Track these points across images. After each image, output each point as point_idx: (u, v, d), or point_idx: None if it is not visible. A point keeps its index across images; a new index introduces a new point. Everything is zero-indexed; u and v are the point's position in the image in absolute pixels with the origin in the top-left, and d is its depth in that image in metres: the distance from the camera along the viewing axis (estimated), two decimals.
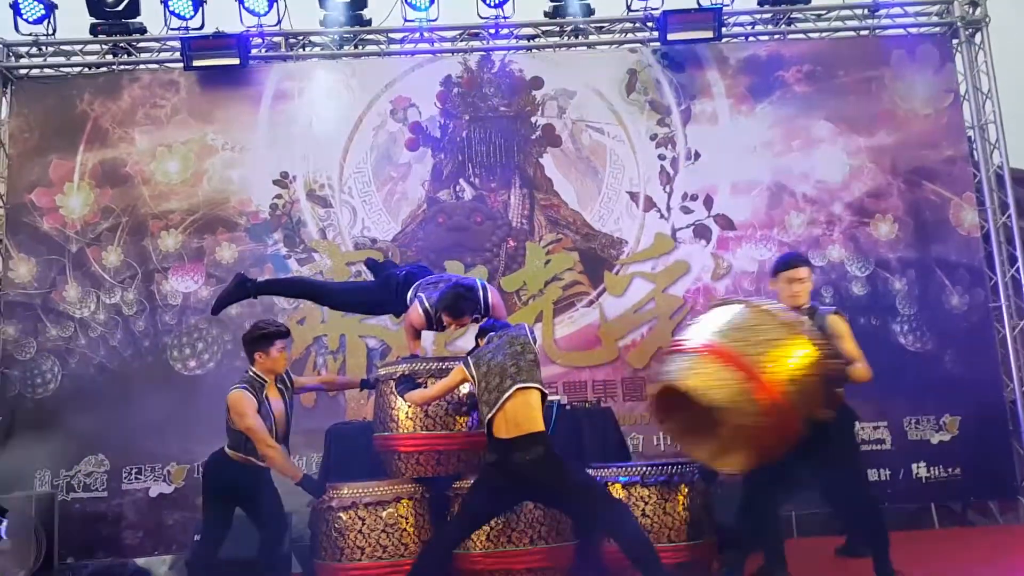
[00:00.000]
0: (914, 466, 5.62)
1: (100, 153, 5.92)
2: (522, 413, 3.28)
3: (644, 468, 3.82)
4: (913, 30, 6.09)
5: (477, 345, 3.60)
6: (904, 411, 5.64)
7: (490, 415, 3.29)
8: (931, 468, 5.62)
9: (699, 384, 3.01)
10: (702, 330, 3.22)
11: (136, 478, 5.54)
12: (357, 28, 6.08)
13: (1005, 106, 5.94)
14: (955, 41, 6.05)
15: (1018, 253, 5.84)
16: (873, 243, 5.85)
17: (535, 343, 3.56)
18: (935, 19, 6.06)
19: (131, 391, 5.56)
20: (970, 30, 5.99)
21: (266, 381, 3.75)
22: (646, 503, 3.69)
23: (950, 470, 5.61)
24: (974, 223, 5.87)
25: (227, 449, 3.74)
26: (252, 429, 3.61)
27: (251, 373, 3.77)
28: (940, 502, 5.61)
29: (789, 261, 3.64)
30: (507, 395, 3.27)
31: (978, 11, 5.96)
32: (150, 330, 5.71)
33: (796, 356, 3.04)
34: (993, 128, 5.95)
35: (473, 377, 3.38)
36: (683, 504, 3.72)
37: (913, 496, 5.58)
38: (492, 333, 3.51)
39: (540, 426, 3.30)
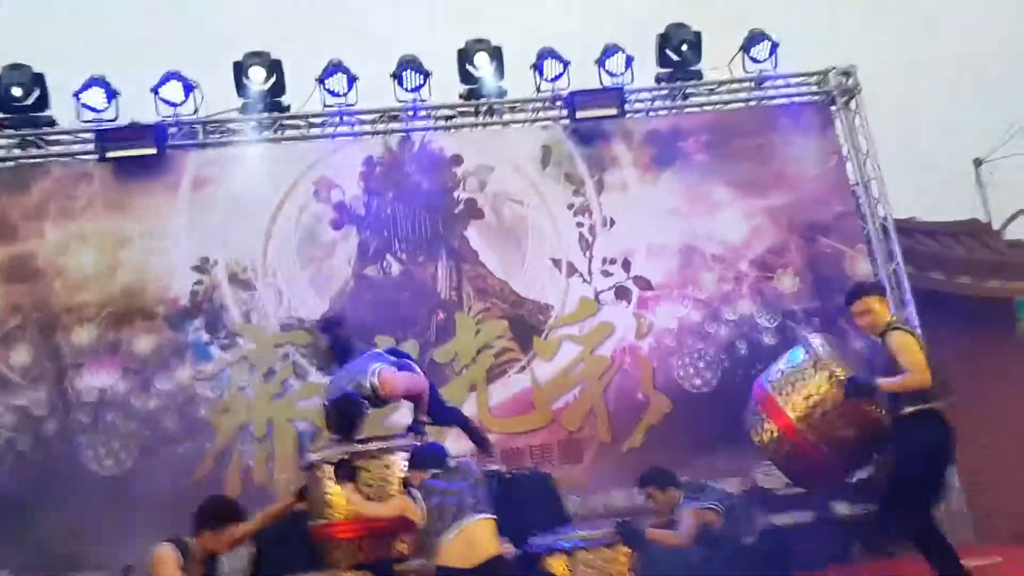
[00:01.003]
0: (835, 505, 5.85)
1: (7, 249, 5.71)
2: (483, 539, 3.25)
3: (585, 533, 3.86)
4: (796, 99, 6.72)
5: (407, 475, 3.46)
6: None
7: (443, 543, 3.21)
8: (852, 506, 5.87)
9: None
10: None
11: None
12: (276, 114, 6.20)
13: (884, 161, 6.56)
14: (833, 108, 6.69)
15: (908, 296, 6.34)
16: (778, 296, 6.25)
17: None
18: (814, 88, 6.71)
19: (42, 498, 5.21)
20: (845, 97, 6.65)
21: (193, 553, 3.49)
22: (591, 567, 3.71)
23: (868, 506, 5.87)
24: (867, 272, 6.35)
25: None
26: None
27: (185, 540, 3.50)
28: (863, 537, 5.83)
29: (849, 294, 3.92)
30: (467, 522, 3.24)
31: (851, 80, 6.63)
32: (63, 431, 5.41)
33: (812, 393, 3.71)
34: (875, 184, 6.55)
35: (420, 508, 3.29)
36: (626, 564, 3.77)
37: (838, 534, 5.78)
38: (437, 470, 3.42)
39: (499, 551, 3.32)
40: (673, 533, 4.12)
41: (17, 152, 6.01)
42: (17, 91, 5.88)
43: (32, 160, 5.98)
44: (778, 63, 6.49)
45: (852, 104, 6.65)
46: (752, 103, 6.72)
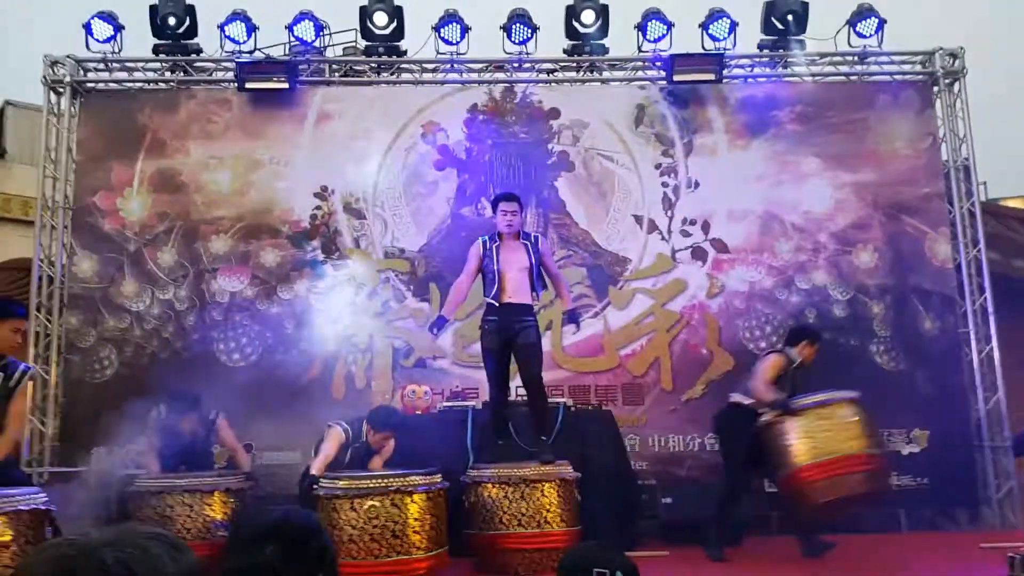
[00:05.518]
0: None
1: (158, 162, 6.54)
2: None
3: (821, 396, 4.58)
4: (898, 77, 6.68)
5: None
6: (878, 424, 6.18)
7: None
8: (900, 477, 6.16)
9: None
10: None
11: None
12: (395, 58, 6.71)
13: (979, 146, 6.51)
14: (935, 89, 6.63)
15: (986, 284, 6.39)
16: (854, 270, 6.42)
17: None
18: (918, 68, 6.65)
19: (180, 379, 6.07)
20: (949, 80, 6.58)
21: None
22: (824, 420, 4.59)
23: (918, 479, 6.16)
24: (947, 255, 6.43)
25: None
26: (326, 454, 4.46)
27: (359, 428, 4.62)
28: (909, 508, 6.13)
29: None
30: None
31: (957, 63, 6.55)
32: (199, 325, 6.32)
33: None
34: (968, 169, 6.53)
35: None
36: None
37: (885, 504, 6.08)
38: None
39: None
40: None
41: (169, 76, 6.79)
42: (171, 20, 6.61)
43: (181, 84, 6.72)
44: (883, 40, 6.47)
45: (956, 87, 6.58)
46: (853, 78, 6.74)
